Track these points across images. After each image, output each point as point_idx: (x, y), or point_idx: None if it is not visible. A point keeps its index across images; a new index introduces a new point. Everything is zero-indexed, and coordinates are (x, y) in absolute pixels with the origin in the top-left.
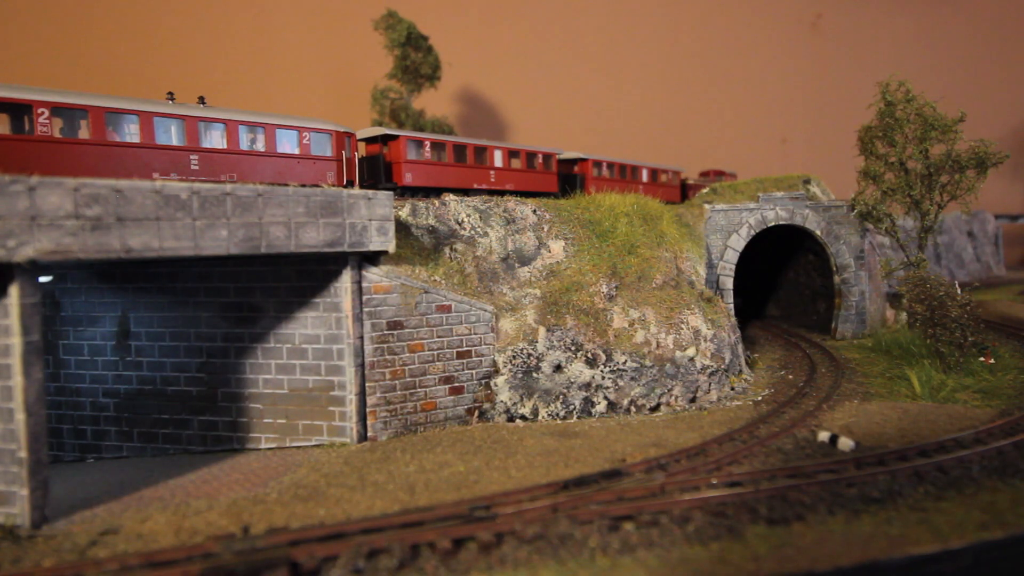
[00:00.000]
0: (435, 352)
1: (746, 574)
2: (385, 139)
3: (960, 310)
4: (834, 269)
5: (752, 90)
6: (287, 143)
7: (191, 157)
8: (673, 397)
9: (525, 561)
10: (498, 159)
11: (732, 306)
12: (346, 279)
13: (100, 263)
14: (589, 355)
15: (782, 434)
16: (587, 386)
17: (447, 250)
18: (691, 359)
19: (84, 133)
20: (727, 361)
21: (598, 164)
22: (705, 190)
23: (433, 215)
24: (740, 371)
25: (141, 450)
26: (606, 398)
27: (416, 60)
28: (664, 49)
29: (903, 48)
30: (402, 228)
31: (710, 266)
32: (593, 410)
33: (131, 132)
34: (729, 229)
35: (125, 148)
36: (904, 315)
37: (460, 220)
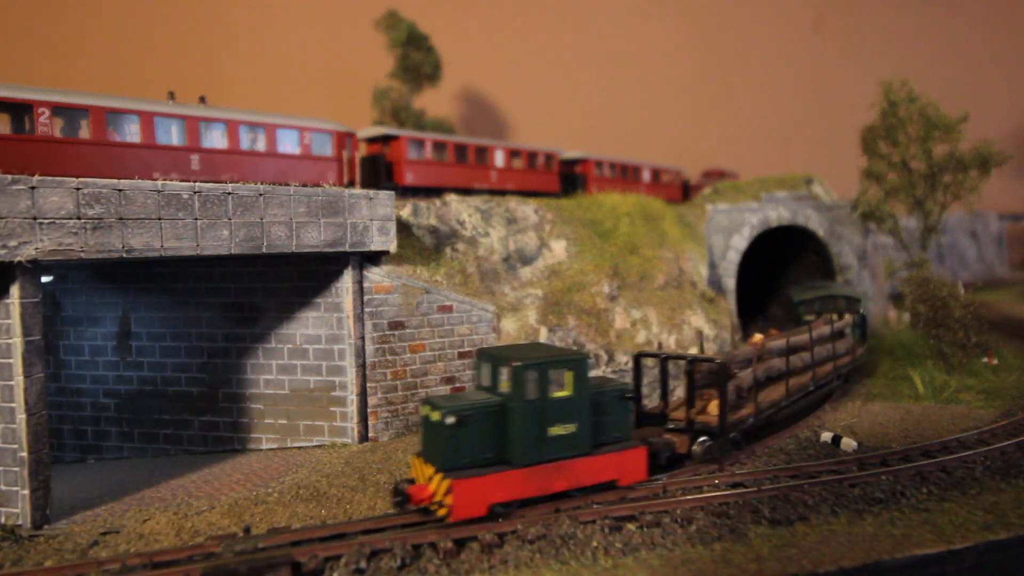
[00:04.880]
0: (436, 352)
1: (749, 574)
2: (386, 139)
3: (963, 310)
4: (837, 269)
5: (754, 90)
6: (288, 143)
7: (192, 157)
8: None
9: (527, 561)
10: (499, 159)
11: (734, 306)
12: (347, 279)
13: (101, 263)
14: (591, 355)
15: (785, 434)
16: None
17: (448, 250)
18: None
19: (85, 133)
20: None
21: (600, 164)
22: (707, 190)
23: (434, 215)
24: None
25: (142, 450)
26: None
27: (417, 60)
28: (666, 49)
29: (906, 48)
30: (403, 228)
31: (712, 266)
32: None
33: (132, 132)
34: (731, 229)
35: (126, 148)
36: (907, 315)
37: (461, 220)
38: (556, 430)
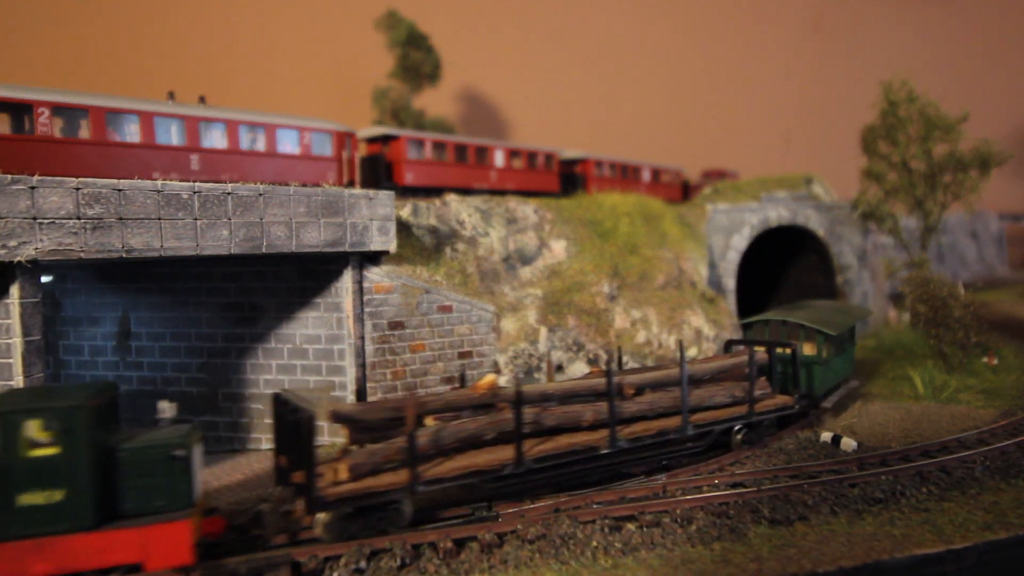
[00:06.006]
0: (436, 352)
1: (749, 574)
2: (386, 139)
3: (963, 310)
4: (836, 269)
5: (754, 90)
6: (288, 143)
7: (192, 157)
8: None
9: (527, 561)
10: (499, 159)
11: (734, 306)
12: (347, 279)
13: (101, 263)
14: (591, 355)
15: (784, 434)
16: None
17: (448, 250)
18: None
19: (84, 133)
20: None
21: (599, 164)
22: (707, 190)
23: (434, 215)
24: None
25: None
26: None
27: (417, 60)
28: (666, 49)
29: (906, 47)
30: (403, 228)
31: (712, 266)
32: None
33: (131, 132)
34: (731, 229)
35: (126, 148)
36: (907, 315)
37: (461, 220)
38: (30, 498)
